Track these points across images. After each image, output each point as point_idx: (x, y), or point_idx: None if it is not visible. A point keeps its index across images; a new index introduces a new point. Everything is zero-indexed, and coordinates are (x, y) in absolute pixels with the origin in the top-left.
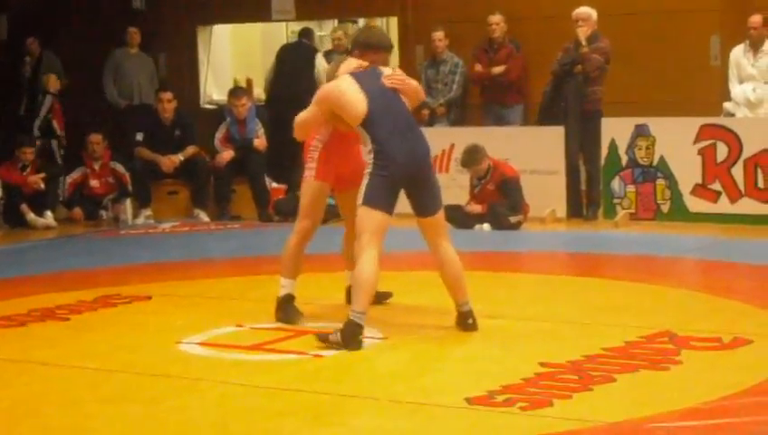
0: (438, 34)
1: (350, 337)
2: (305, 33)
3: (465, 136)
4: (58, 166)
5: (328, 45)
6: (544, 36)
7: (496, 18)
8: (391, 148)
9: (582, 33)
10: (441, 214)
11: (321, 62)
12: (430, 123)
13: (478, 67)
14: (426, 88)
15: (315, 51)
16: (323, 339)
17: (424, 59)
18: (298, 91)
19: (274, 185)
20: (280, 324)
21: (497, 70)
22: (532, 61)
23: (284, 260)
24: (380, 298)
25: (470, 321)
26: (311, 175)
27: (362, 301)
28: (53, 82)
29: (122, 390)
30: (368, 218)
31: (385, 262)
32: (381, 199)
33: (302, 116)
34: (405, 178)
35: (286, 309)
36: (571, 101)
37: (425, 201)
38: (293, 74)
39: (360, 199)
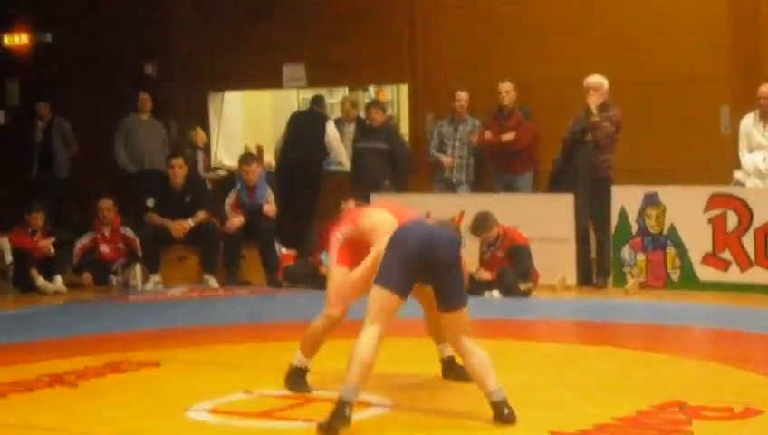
0: (462, 95)
1: (336, 415)
2: (316, 101)
3: (475, 202)
4: (68, 231)
5: (338, 113)
6: (555, 103)
7: (506, 86)
8: (406, 230)
9: (593, 101)
10: (464, 311)
11: (331, 130)
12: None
13: (488, 134)
14: (437, 144)
15: (326, 118)
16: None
17: (434, 125)
18: (308, 156)
19: (284, 250)
20: (288, 392)
21: (507, 137)
22: (542, 128)
23: (306, 337)
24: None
25: (506, 411)
26: (333, 259)
27: (353, 377)
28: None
29: None
30: (378, 296)
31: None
32: (393, 278)
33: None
34: (420, 255)
35: (297, 381)
36: (581, 169)
37: (444, 291)
38: (304, 141)
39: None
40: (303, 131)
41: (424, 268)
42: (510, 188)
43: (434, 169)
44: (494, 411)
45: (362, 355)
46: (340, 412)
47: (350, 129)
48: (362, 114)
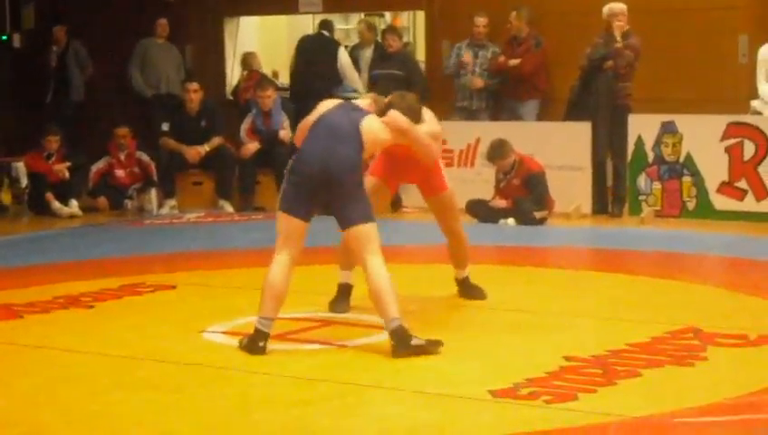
0: (481, 20)
1: (252, 344)
2: (325, 25)
3: (491, 130)
4: (83, 155)
5: (354, 39)
6: (568, 32)
7: (513, 14)
8: (307, 152)
9: (619, 28)
10: (364, 228)
11: (343, 56)
12: (471, 115)
13: (501, 58)
14: (454, 69)
15: (337, 44)
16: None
17: (450, 51)
18: (319, 83)
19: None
20: (303, 314)
21: (513, 62)
22: (556, 56)
23: (338, 253)
24: None
25: (393, 343)
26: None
27: (267, 306)
28: None
29: (145, 377)
30: (280, 223)
31: (402, 255)
32: (293, 204)
33: None
34: (318, 185)
35: (337, 299)
36: (601, 97)
37: (341, 213)
38: (314, 67)
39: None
40: (314, 58)
41: (320, 189)
42: (514, 114)
43: (455, 93)
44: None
45: (273, 285)
46: (255, 343)
47: (368, 53)
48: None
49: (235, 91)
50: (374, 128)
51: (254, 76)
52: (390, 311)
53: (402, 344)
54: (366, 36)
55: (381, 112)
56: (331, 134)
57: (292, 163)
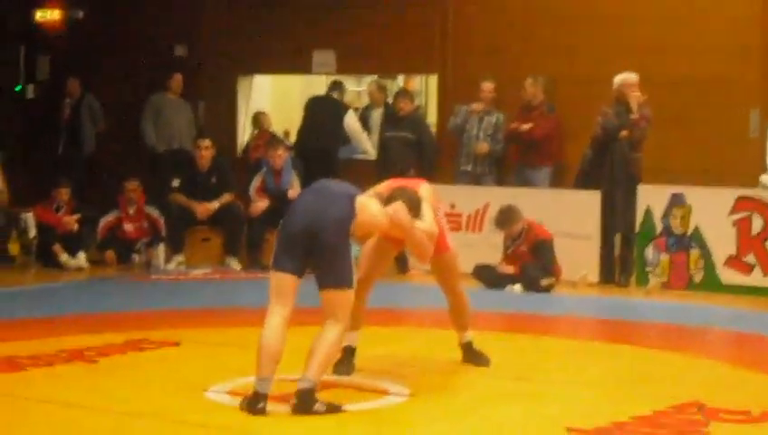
0: (488, 85)
1: (251, 406)
2: (334, 87)
3: (500, 196)
4: (92, 208)
5: (367, 100)
6: (580, 99)
7: (529, 81)
8: (296, 209)
9: (636, 99)
10: (337, 293)
11: (350, 118)
12: (475, 180)
13: (514, 124)
14: (460, 128)
15: (346, 107)
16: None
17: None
18: (324, 145)
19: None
20: None
21: (525, 127)
22: (566, 123)
23: None
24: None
25: (295, 402)
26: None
27: (263, 367)
28: None
29: None
30: (271, 280)
31: (408, 318)
32: (281, 260)
33: None
34: (303, 241)
35: (339, 361)
36: (616, 167)
37: (320, 273)
38: (320, 128)
39: None
40: (320, 118)
41: (305, 246)
42: (526, 181)
43: (459, 157)
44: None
45: (268, 344)
46: (254, 405)
47: (377, 114)
48: (390, 101)
49: (246, 149)
50: (371, 209)
51: (265, 135)
52: (311, 371)
53: (303, 407)
54: (376, 97)
55: (384, 203)
56: (324, 195)
57: (283, 220)
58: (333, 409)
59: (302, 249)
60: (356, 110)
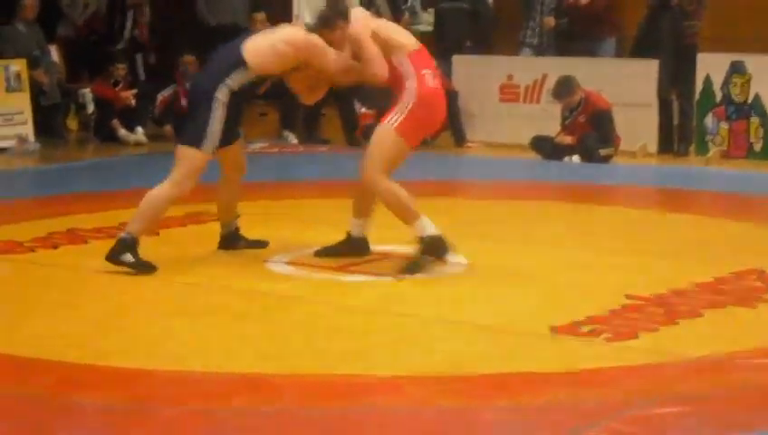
0: None
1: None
2: None
3: (557, 67)
4: (149, 83)
5: None
6: None
7: None
8: None
9: None
10: (181, 150)
11: None
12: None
13: None
14: (525, 6)
15: None
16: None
17: None
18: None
19: (363, 110)
20: None
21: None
22: None
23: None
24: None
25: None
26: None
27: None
28: None
29: (209, 304)
30: None
31: (465, 190)
32: None
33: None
34: None
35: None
36: (666, 35)
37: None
38: None
39: None
40: None
41: None
42: (590, 53)
43: (524, 30)
44: None
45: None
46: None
47: None
48: None
49: None
50: (259, 46)
51: None
52: (130, 224)
53: (111, 255)
54: None
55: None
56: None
57: None
58: (142, 266)
59: None
60: None
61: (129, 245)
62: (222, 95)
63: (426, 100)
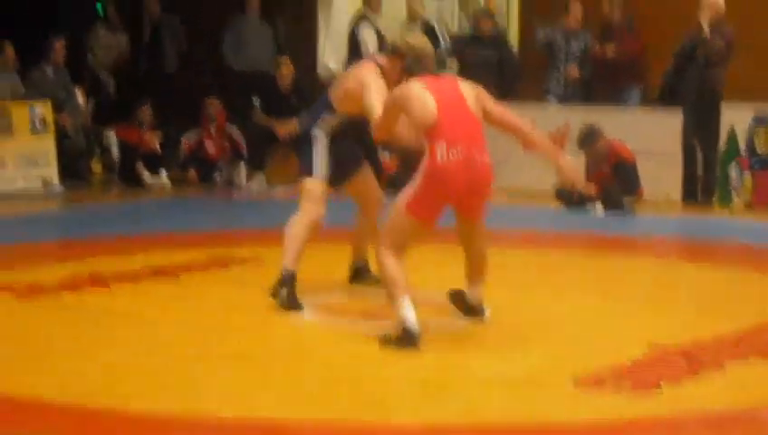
0: (577, 6)
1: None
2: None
3: (581, 115)
4: (174, 128)
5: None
6: (665, 17)
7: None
8: None
9: (703, 17)
10: (300, 183)
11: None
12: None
13: (597, 47)
14: (549, 55)
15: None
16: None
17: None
18: None
19: (387, 157)
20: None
21: (611, 50)
22: (651, 42)
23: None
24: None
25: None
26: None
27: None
28: None
29: (231, 349)
30: None
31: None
32: None
33: None
34: None
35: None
36: (690, 85)
37: None
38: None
39: None
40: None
41: None
42: (616, 102)
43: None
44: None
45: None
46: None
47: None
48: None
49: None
50: (338, 87)
51: None
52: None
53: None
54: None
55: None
56: None
57: None
58: (291, 304)
59: None
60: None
61: (286, 280)
62: (319, 133)
63: (435, 175)
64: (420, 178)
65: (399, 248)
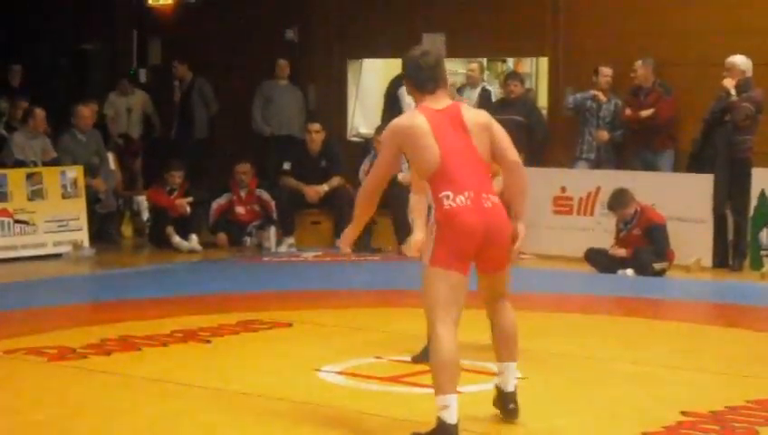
0: (607, 70)
1: None
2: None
3: (612, 179)
4: (205, 191)
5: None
6: (696, 83)
7: (639, 63)
8: None
9: (729, 82)
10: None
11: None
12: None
13: (628, 111)
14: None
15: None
16: None
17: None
18: None
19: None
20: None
21: (645, 113)
22: (683, 107)
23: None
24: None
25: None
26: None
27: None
28: None
29: (260, 414)
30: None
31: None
32: None
33: None
34: None
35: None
36: (720, 150)
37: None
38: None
39: None
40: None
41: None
42: (650, 166)
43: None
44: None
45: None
46: None
47: (474, 94)
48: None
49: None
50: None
51: None
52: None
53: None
54: (474, 77)
55: None
56: None
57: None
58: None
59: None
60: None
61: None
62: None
63: (445, 222)
64: (434, 231)
65: (449, 315)
